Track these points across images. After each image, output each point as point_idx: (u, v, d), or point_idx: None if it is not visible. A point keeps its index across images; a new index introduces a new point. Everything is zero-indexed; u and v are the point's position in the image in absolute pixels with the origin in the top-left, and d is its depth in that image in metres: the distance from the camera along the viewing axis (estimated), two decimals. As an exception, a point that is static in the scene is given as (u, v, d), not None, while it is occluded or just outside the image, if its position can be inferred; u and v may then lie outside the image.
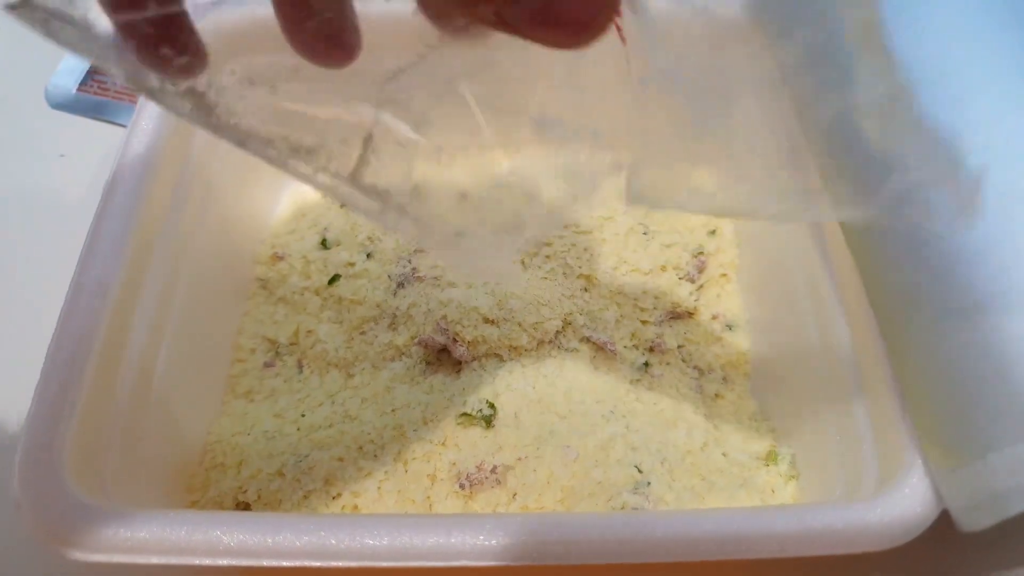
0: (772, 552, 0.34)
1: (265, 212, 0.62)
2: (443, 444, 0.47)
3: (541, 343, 0.51)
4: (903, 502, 0.35)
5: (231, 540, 0.35)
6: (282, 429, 0.49)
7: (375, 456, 0.46)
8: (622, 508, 0.42)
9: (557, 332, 0.51)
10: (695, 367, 0.53)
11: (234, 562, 0.35)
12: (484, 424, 0.47)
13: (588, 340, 0.51)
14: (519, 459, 0.45)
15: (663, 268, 0.55)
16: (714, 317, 0.55)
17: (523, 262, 0.54)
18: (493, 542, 0.35)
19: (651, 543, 0.34)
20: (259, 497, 0.45)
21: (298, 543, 0.35)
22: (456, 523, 0.35)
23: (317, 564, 0.35)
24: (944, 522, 0.36)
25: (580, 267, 0.53)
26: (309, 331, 0.53)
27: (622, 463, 0.44)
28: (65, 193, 0.65)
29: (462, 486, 0.45)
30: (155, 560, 0.36)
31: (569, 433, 0.46)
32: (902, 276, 0.38)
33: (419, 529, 0.35)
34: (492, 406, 0.47)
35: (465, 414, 0.47)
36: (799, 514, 0.35)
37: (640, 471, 0.44)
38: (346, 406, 0.49)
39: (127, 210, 0.45)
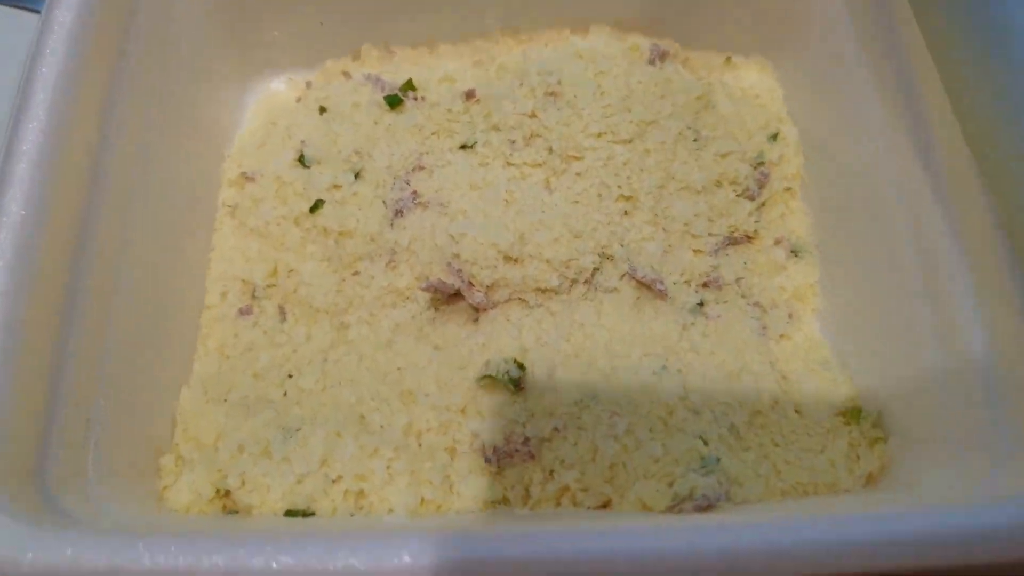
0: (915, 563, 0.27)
1: (227, 120, 0.51)
2: (462, 412, 0.39)
3: (574, 283, 0.42)
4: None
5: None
6: (266, 394, 0.40)
7: (381, 429, 0.38)
8: (690, 495, 0.34)
9: (594, 270, 0.42)
10: (756, 303, 0.44)
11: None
12: (512, 387, 0.38)
13: (631, 278, 0.42)
14: (555, 429, 0.37)
15: (718, 183, 0.45)
16: (777, 241, 0.46)
17: (547, 181, 0.44)
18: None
19: (742, 558, 0.27)
20: (243, 483, 0.37)
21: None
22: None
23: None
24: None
25: (619, 186, 0.43)
26: (291, 269, 0.44)
27: (684, 433, 0.37)
28: None
29: (488, 460, 0.37)
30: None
31: (615, 397, 0.38)
32: None
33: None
34: (520, 366, 0.39)
35: (488, 376, 0.39)
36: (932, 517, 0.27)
37: (706, 443, 0.36)
38: (341, 365, 0.41)
39: (47, 125, 0.35)
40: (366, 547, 0.27)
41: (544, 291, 0.42)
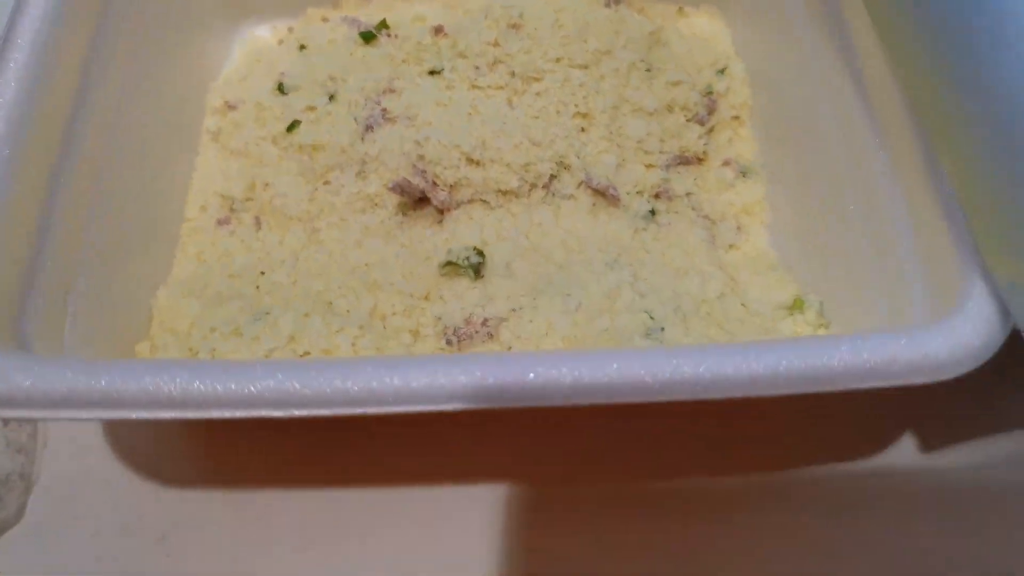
0: (823, 386, 0.29)
1: (213, 61, 0.54)
2: (426, 298, 0.41)
3: (533, 187, 0.45)
4: (968, 324, 0.30)
5: (174, 389, 0.29)
6: (239, 289, 0.42)
7: (347, 312, 0.40)
8: (633, 354, 0.36)
9: (552, 177, 0.45)
10: (705, 216, 0.47)
11: (179, 415, 0.30)
12: (472, 274, 0.41)
13: (586, 186, 0.45)
14: (513, 310, 0.40)
15: (669, 108, 0.48)
16: (726, 163, 0.49)
17: (509, 100, 0.47)
18: (490, 380, 0.29)
19: (680, 380, 0.29)
20: (213, 358, 0.39)
21: (254, 389, 0.29)
22: (445, 362, 0.30)
23: (278, 414, 0.29)
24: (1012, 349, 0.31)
25: (576, 105, 0.47)
26: (267, 184, 0.47)
27: (631, 309, 0.39)
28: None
29: (449, 342, 0.39)
30: (83, 415, 0.30)
31: (568, 283, 0.40)
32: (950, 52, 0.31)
33: (402, 370, 0.29)
34: (481, 254, 0.41)
35: (450, 263, 0.41)
36: (854, 344, 0.30)
37: (652, 318, 0.39)
38: (311, 262, 0.43)
39: (33, 53, 0.37)
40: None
41: (505, 193, 0.44)
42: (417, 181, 0.43)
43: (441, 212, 0.44)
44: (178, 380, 0.29)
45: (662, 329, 0.38)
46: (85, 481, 0.41)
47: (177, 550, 0.40)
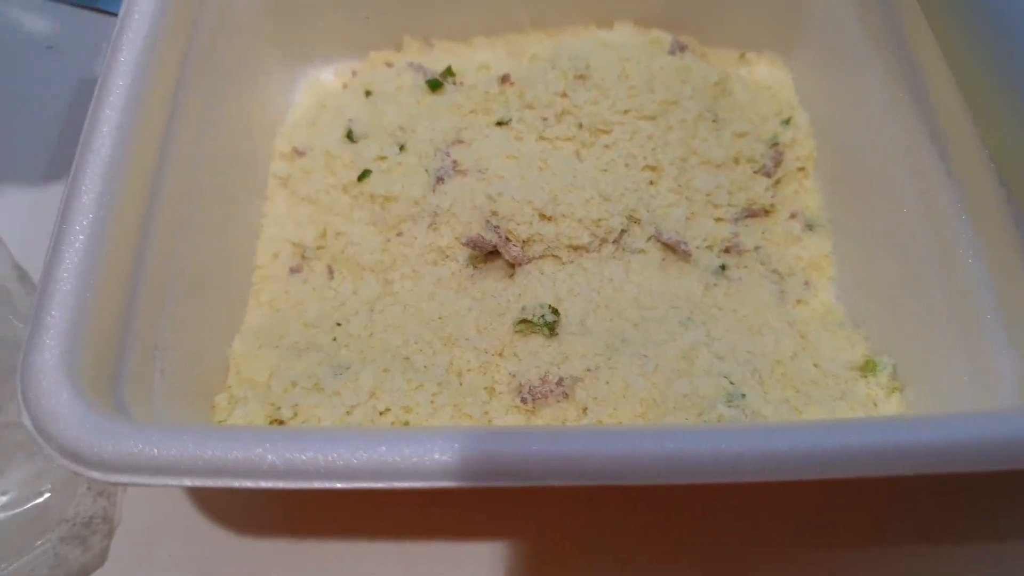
0: (923, 468, 0.29)
1: (278, 103, 0.55)
2: (500, 355, 0.41)
3: (604, 242, 0.45)
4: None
5: (276, 458, 0.30)
6: (315, 340, 0.43)
7: (425, 368, 0.41)
8: (717, 423, 0.36)
9: (622, 231, 0.45)
10: (774, 270, 0.47)
11: (286, 485, 0.30)
12: (547, 331, 0.41)
13: (657, 240, 0.45)
14: (588, 370, 0.40)
15: (736, 160, 0.49)
16: (792, 216, 0.49)
17: (577, 153, 0.48)
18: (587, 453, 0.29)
19: (777, 458, 0.29)
20: (296, 415, 0.39)
21: (356, 461, 0.30)
22: (542, 436, 0.30)
23: (380, 485, 0.30)
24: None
25: (644, 157, 0.47)
26: (339, 232, 0.47)
27: (709, 373, 0.39)
28: (55, 88, 0.58)
29: (524, 400, 0.40)
30: (187, 482, 0.30)
31: (644, 341, 0.41)
32: None
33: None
34: (555, 311, 0.42)
35: (525, 320, 0.41)
36: (958, 424, 0.30)
37: (731, 382, 0.39)
38: (387, 314, 0.44)
39: (124, 110, 0.38)
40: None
41: (576, 248, 0.44)
42: (490, 236, 0.44)
43: (512, 266, 0.45)
44: (281, 451, 0.30)
45: (743, 396, 0.38)
46: (166, 527, 0.42)
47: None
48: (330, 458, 0.30)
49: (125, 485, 0.34)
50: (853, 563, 0.40)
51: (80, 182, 0.36)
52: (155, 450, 0.30)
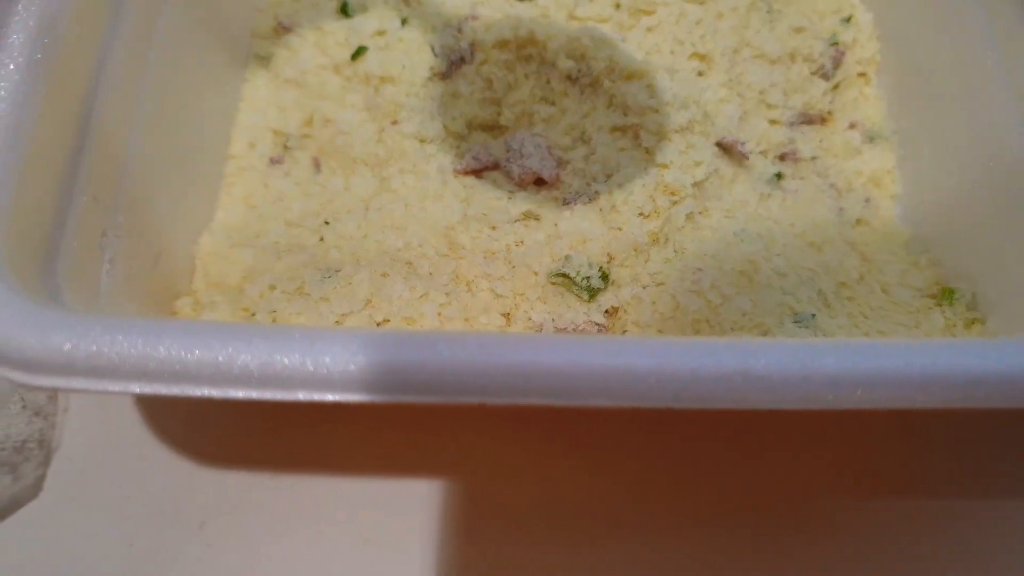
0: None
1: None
2: (523, 295, 0.34)
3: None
4: None
5: (252, 358, 0.23)
6: (300, 239, 0.36)
7: (430, 275, 0.34)
8: (787, 342, 0.30)
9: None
10: (832, 185, 0.41)
11: (263, 395, 0.24)
12: (587, 295, 0.34)
13: (705, 137, 0.39)
14: (633, 294, 0.33)
15: (792, 57, 0.42)
16: (852, 125, 0.43)
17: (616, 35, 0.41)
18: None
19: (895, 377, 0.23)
20: (274, 321, 0.33)
21: (354, 367, 0.23)
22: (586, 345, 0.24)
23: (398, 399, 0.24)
24: None
25: (692, 44, 0.40)
26: (328, 119, 0.40)
27: (771, 289, 0.33)
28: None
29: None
30: (135, 389, 0.24)
31: (697, 252, 0.34)
32: None
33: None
34: (604, 276, 0.34)
35: (563, 275, 0.34)
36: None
37: (796, 300, 0.33)
38: (384, 213, 0.37)
39: None
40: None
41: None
42: (538, 167, 0.37)
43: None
44: (260, 350, 0.23)
45: (813, 316, 0.32)
46: (113, 454, 0.35)
47: (218, 539, 0.34)
48: (320, 363, 0.23)
49: (54, 390, 0.27)
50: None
51: (10, 20, 0.28)
52: (93, 346, 0.23)
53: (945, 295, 0.36)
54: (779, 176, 0.39)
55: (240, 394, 0.24)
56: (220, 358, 0.23)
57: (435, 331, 0.24)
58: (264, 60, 0.43)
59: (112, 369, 0.23)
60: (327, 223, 0.37)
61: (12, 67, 0.28)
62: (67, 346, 0.23)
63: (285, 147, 0.40)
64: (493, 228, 0.35)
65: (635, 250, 0.34)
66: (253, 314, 0.33)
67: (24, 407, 0.36)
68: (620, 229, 0.34)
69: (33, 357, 0.23)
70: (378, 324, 0.32)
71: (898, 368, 0.23)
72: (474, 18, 0.41)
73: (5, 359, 0.24)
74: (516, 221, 0.36)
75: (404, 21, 0.41)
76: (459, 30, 0.41)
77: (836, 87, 0.43)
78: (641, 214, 0.35)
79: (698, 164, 0.36)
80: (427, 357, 0.23)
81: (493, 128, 0.40)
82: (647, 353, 0.23)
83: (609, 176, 0.36)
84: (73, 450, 0.36)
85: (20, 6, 0.29)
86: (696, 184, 0.36)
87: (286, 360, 0.23)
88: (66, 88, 0.30)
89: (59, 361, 0.23)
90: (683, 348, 0.23)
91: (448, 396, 0.23)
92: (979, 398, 0.24)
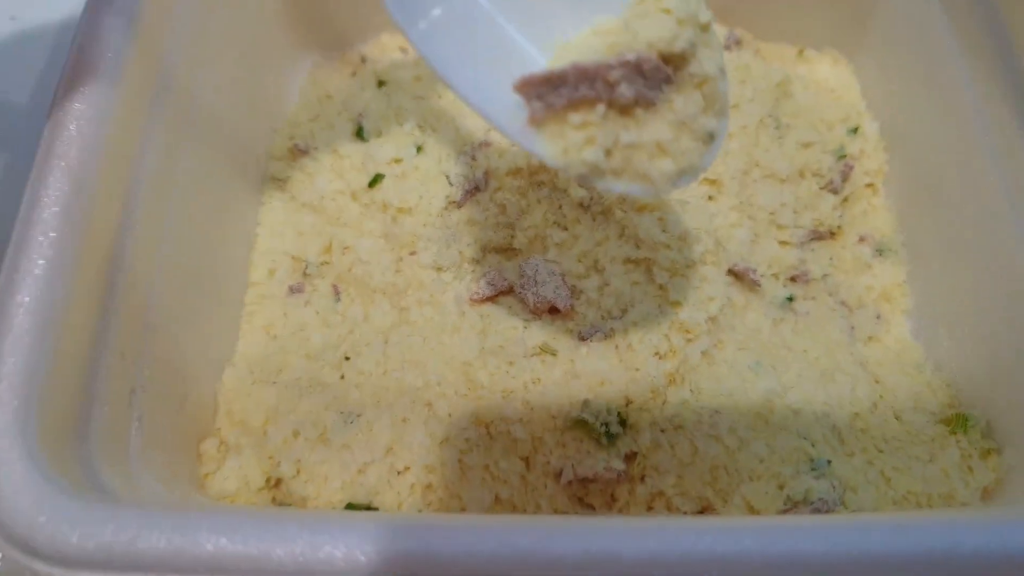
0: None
1: (276, 95, 0.48)
2: (541, 440, 0.34)
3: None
4: None
5: (285, 554, 0.24)
6: (320, 376, 0.37)
7: (449, 417, 0.35)
8: (805, 499, 0.31)
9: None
10: (842, 302, 0.41)
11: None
12: (606, 441, 0.34)
13: (716, 266, 0.40)
14: (652, 439, 0.34)
15: (801, 174, 0.43)
16: (861, 239, 0.44)
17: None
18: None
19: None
20: (298, 472, 0.33)
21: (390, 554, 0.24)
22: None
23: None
24: None
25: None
26: (346, 247, 0.41)
27: (787, 432, 0.33)
28: (18, 62, 0.51)
29: (569, 483, 0.33)
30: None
31: (711, 392, 0.35)
32: None
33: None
34: (623, 420, 0.34)
35: (582, 422, 0.34)
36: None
37: (812, 444, 0.33)
38: (403, 347, 0.37)
39: (95, 103, 0.31)
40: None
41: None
42: (553, 297, 0.37)
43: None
44: (295, 543, 0.24)
45: (828, 462, 0.32)
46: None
47: None
48: (361, 556, 0.24)
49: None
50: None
51: (41, 191, 0.29)
52: (127, 541, 0.24)
53: (959, 422, 0.36)
54: (790, 299, 0.40)
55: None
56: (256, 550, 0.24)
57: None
58: (280, 182, 0.44)
59: (149, 562, 0.24)
60: (347, 358, 0.37)
61: (48, 214, 0.29)
62: (102, 540, 0.24)
63: (305, 273, 0.41)
64: (511, 364, 0.36)
65: (652, 392, 0.34)
66: (278, 463, 0.33)
67: None
68: (638, 370, 0.35)
69: (70, 553, 0.24)
70: (399, 473, 0.33)
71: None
72: (487, 144, 0.42)
73: (37, 553, 0.24)
74: (532, 356, 0.36)
75: (419, 148, 0.42)
76: (473, 158, 0.42)
77: (845, 200, 0.44)
78: (657, 354, 0.35)
79: (711, 299, 0.37)
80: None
81: (507, 250, 0.41)
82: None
83: (624, 311, 0.37)
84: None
85: (55, 154, 0.30)
86: (710, 319, 0.36)
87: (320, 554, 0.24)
88: (96, 250, 0.31)
89: (95, 556, 0.24)
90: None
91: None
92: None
